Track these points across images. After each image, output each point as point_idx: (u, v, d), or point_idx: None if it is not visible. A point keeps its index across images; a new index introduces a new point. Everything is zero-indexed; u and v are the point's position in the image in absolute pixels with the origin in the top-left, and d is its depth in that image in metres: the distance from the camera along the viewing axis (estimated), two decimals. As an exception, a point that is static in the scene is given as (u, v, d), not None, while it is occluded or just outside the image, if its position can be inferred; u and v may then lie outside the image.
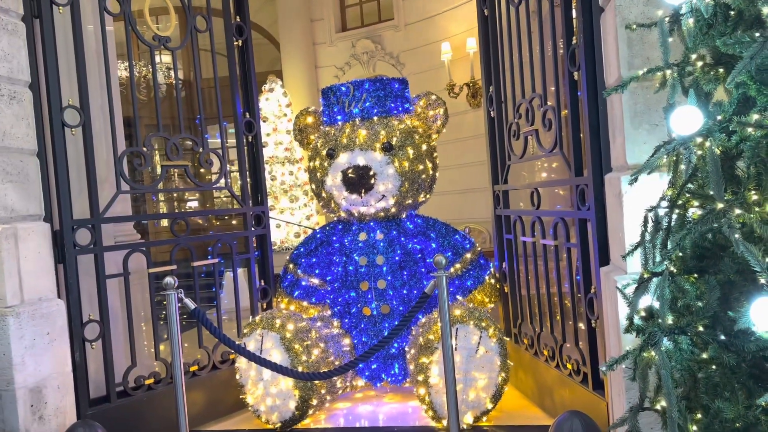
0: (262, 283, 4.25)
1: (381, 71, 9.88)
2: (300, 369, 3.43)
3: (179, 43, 3.99)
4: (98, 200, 3.39)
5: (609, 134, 2.62)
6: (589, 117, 2.70)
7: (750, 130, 1.47)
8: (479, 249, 4.13)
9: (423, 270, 3.98)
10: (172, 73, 9.59)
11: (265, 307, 4.23)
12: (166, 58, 10.47)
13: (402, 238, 3.99)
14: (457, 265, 3.97)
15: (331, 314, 4.06)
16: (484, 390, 3.36)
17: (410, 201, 3.96)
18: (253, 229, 4.18)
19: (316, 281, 4.12)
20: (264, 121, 9.28)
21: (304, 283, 4.13)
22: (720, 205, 1.51)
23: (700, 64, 1.77)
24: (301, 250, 4.23)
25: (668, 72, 1.82)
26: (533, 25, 3.30)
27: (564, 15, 2.86)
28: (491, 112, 4.07)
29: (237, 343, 3.59)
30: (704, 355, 1.72)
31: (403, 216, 4.06)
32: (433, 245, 3.99)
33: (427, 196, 4.17)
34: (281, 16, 10.39)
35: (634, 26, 2.07)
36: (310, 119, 4.22)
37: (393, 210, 3.94)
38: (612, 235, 2.61)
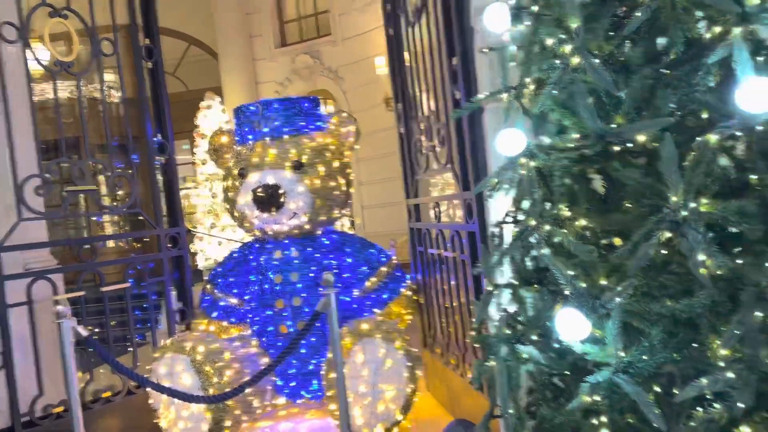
0: (181, 305, 4.24)
1: (321, 86, 9.96)
2: (211, 391, 3.43)
3: (87, 67, 3.98)
4: (-3, 228, 3.35)
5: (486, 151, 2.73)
6: (469, 134, 2.81)
7: (555, 153, 1.57)
8: (395, 262, 4.20)
9: (339, 285, 4.02)
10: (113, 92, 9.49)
11: (184, 329, 4.22)
12: (109, 76, 10.30)
13: (317, 255, 4.03)
14: (373, 279, 4.03)
15: (251, 333, 4.07)
16: (393, 401, 3.42)
17: (324, 217, 4.01)
18: (168, 250, 4.18)
19: (234, 301, 4.13)
20: (203, 138, 9.24)
21: (222, 303, 4.13)
22: (533, 222, 1.60)
23: (531, 87, 1.87)
24: (219, 269, 4.24)
25: (506, 96, 1.92)
26: (425, 45, 3.40)
27: (446, 35, 2.97)
28: (401, 129, 4.17)
29: (148, 367, 3.59)
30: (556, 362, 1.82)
31: (319, 232, 4.11)
32: (349, 260, 4.04)
33: (343, 211, 4.23)
34: (220, 32, 10.38)
35: (486, 50, 2.18)
36: (224, 139, 4.24)
37: (307, 227, 3.98)
38: (491, 247, 2.71)
